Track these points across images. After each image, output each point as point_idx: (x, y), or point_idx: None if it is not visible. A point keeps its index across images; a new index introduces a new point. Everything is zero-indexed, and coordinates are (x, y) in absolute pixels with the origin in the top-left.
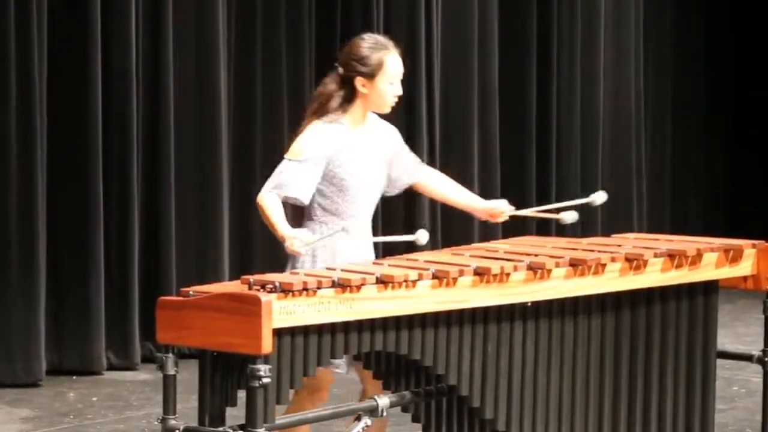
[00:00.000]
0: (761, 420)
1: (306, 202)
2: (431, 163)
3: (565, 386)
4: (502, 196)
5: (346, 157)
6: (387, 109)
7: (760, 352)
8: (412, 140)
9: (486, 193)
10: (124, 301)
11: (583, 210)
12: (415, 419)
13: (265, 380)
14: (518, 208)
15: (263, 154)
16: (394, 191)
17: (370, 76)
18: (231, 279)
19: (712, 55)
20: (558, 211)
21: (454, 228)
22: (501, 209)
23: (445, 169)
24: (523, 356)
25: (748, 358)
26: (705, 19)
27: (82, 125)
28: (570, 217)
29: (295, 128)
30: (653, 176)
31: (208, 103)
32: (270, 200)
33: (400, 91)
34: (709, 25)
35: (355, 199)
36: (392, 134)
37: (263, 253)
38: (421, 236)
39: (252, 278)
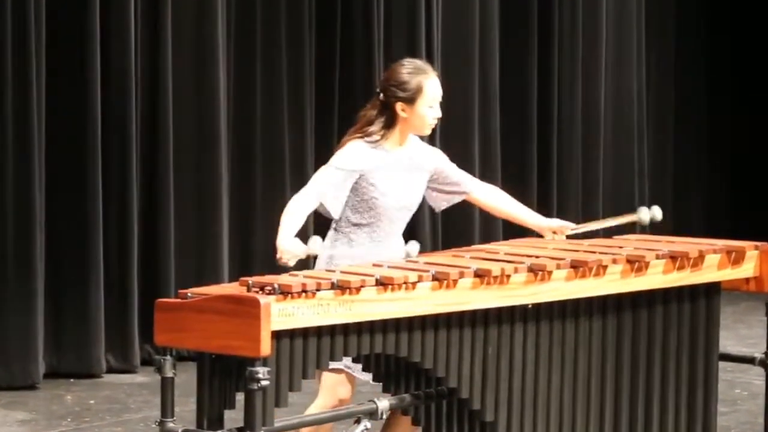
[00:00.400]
0: (764, 423)
1: (334, 213)
2: None
3: (566, 389)
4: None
5: (380, 177)
6: (427, 132)
7: (762, 354)
8: None
9: None
10: (123, 303)
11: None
12: (416, 422)
13: (264, 383)
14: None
15: (263, 155)
16: (443, 205)
17: (410, 101)
18: (231, 281)
19: (713, 56)
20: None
21: (454, 229)
22: (563, 227)
23: None
24: (524, 359)
25: (750, 360)
26: (706, 19)
27: (81, 126)
28: (646, 214)
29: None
30: (655, 177)
31: (208, 104)
32: (296, 205)
33: (439, 114)
34: (710, 25)
35: (382, 218)
36: (434, 156)
37: (263, 255)
38: (411, 249)
39: (251, 280)
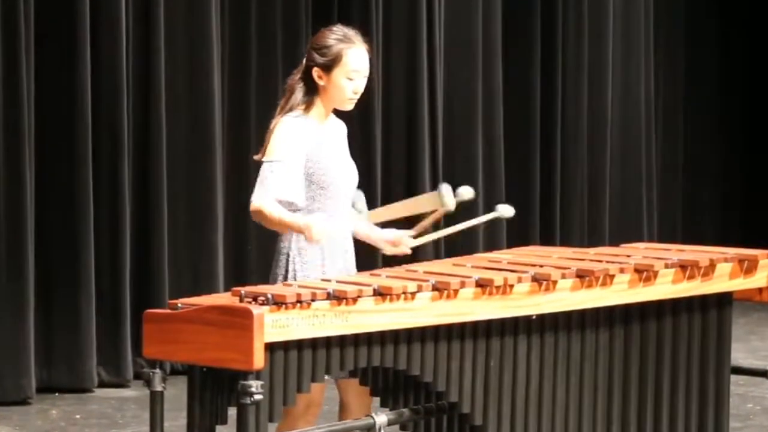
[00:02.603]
0: None
1: (300, 203)
2: (434, 170)
3: (572, 403)
4: (507, 203)
5: (322, 152)
6: (347, 107)
7: None
8: (413, 145)
9: (489, 202)
10: (115, 315)
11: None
12: None
13: (257, 397)
14: (516, 217)
15: (258, 161)
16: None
17: (327, 68)
18: (226, 291)
19: (725, 57)
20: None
21: (455, 237)
22: (401, 239)
23: (447, 175)
24: (528, 372)
25: (763, 373)
26: (717, 17)
27: (71, 134)
28: (507, 211)
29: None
30: (664, 183)
31: (201, 108)
32: (268, 204)
33: (360, 89)
34: (722, 25)
35: (337, 195)
36: (343, 130)
37: (258, 264)
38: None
39: (243, 290)
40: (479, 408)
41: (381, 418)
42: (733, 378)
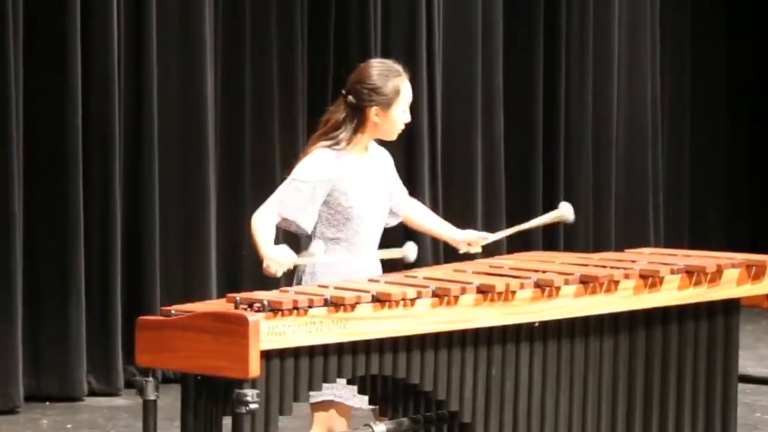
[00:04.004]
0: None
1: (306, 228)
2: (433, 171)
3: (575, 413)
4: (507, 210)
5: (351, 185)
6: (395, 137)
7: None
8: (411, 151)
9: (490, 207)
10: (105, 322)
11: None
12: None
13: (253, 406)
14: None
15: (252, 162)
16: (391, 223)
17: (386, 105)
18: (219, 298)
19: (733, 57)
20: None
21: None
22: (479, 238)
23: (447, 181)
24: (530, 380)
25: None
26: (725, 19)
27: (61, 137)
28: (568, 211)
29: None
30: (671, 186)
31: (194, 109)
32: (262, 219)
33: (409, 119)
34: (730, 25)
35: (360, 229)
36: (388, 160)
37: (253, 269)
38: (410, 251)
39: (239, 296)
40: (480, 418)
41: (380, 427)
42: (741, 387)
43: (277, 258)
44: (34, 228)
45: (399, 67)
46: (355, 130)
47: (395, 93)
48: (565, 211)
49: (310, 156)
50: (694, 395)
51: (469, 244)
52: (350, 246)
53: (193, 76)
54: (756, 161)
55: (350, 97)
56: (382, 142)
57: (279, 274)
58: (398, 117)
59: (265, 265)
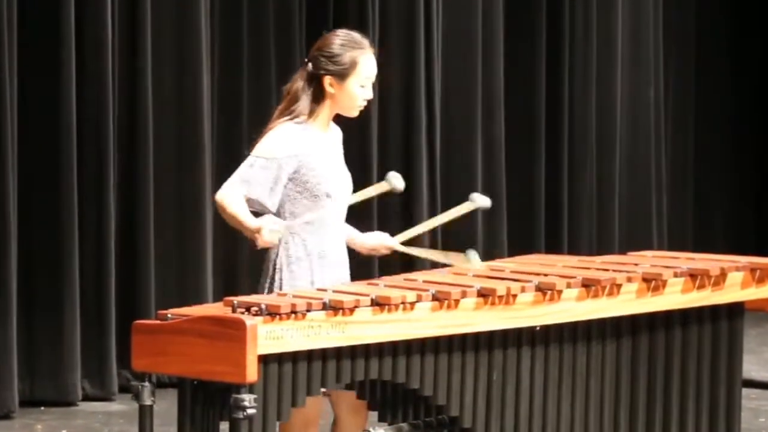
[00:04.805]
0: None
1: (271, 207)
2: (431, 177)
3: (577, 418)
4: (508, 214)
5: (317, 161)
6: (355, 113)
7: None
8: (410, 148)
9: (490, 212)
10: (100, 326)
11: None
12: None
13: (250, 411)
14: (519, 224)
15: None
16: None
17: (341, 76)
18: (215, 301)
19: (738, 58)
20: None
21: (455, 245)
22: (381, 245)
23: (446, 182)
24: (531, 385)
25: None
26: (731, 18)
27: (54, 138)
28: (483, 201)
29: (261, 128)
30: (674, 189)
31: (190, 110)
32: (231, 197)
33: (370, 95)
34: (736, 25)
35: (329, 206)
36: (340, 137)
37: (250, 272)
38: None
39: (236, 300)
40: (481, 423)
41: None
42: (745, 391)
43: (269, 225)
44: (28, 233)
45: (364, 41)
46: (313, 101)
47: (352, 64)
48: (478, 200)
49: (273, 131)
50: (697, 401)
51: (372, 250)
52: (321, 227)
53: (189, 77)
54: (761, 163)
55: (309, 65)
56: (343, 121)
57: (276, 240)
58: (355, 91)
59: (257, 235)
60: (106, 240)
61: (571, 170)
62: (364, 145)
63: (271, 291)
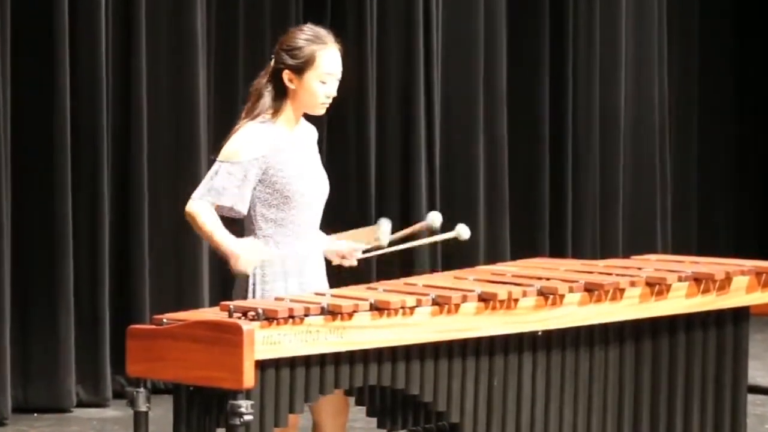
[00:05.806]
0: None
1: (243, 211)
2: (431, 177)
3: (580, 425)
4: (511, 216)
5: (286, 160)
6: (319, 111)
7: None
8: (409, 151)
9: (492, 214)
10: (94, 330)
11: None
12: None
13: (247, 417)
14: (521, 228)
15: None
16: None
17: (299, 70)
18: (211, 306)
19: (742, 58)
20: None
21: (456, 248)
22: (351, 250)
23: (446, 185)
24: (533, 391)
25: None
26: (734, 18)
27: (48, 141)
28: (464, 232)
29: (228, 130)
30: (678, 189)
31: (186, 113)
32: (202, 208)
33: (333, 92)
34: (739, 25)
35: (302, 207)
36: (315, 136)
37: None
38: (462, 230)
39: (232, 304)
40: (482, 429)
41: None
42: (750, 397)
43: (249, 254)
44: (22, 237)
45: (328, 36)
46: (275, 97)
47: (310, 59)
48: (460, 231)
49: (237, 134)
50: (702, 407)
51: (342, 257)
52: (295, 228)
53: (185, 78)
54: (765, 164)
55: (272, 60)
56: (311, 119)
57: (251, 270)
58: (314, 86)
59: (232, 262)
60: (100, 243)
61: (575, 172)
62: (361, 147)
63: (246, 296)
